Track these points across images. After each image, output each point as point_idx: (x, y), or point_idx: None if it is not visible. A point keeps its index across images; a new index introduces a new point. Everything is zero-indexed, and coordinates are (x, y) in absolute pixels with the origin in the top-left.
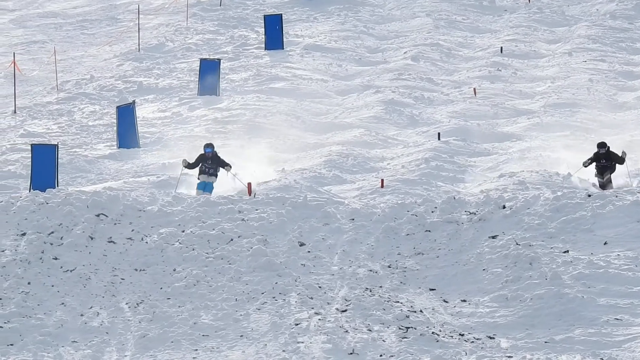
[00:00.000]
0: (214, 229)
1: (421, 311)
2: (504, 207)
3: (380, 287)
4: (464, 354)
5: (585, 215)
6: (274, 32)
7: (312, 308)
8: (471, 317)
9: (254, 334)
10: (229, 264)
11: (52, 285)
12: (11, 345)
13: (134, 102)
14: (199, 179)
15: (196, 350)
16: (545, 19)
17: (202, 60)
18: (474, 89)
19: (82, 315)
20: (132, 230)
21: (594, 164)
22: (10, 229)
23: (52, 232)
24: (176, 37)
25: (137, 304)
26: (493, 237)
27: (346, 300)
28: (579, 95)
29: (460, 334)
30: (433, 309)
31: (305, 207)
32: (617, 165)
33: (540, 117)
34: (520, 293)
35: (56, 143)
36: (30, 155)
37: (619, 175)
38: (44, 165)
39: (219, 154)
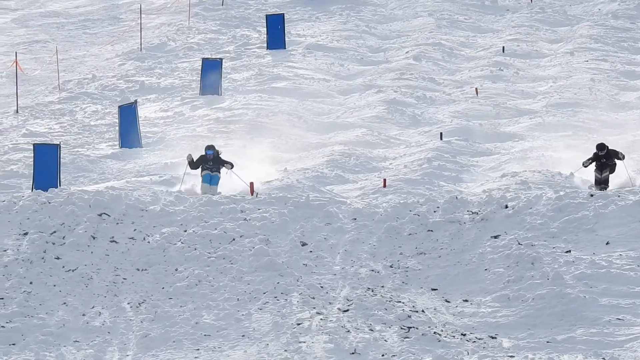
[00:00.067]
0: (216, 229)
1: (423, 311)
2: (506, 206)
3: (382, 287)
4: (465, 354)
5: (587, 215)
6: (276, 31)
7: (314, 308)
8: (473, 317)
9: (255, 333)
10: (231, 264)
11: (54, 285)
12: (13, 344)
13: (136, 101)
14: (202, 173)
15: (198, 350)
16: (547, 18)
17: (204, 60)
18: (476, 88)
19: (84, 314)
20: (135, 229)
21: (594, 163)
22: (12, 228)
23: (54, 232)
24: (178, 36)
25: (139, 303)
26: (495, 237)
27: (348, 300)
28: (581, 95)
29: (462, 334)
30: (435, 309)
31: (307, 207)
32: (617, 163)
33: (542, 117)
34: (522, 293)
35: (58, 143)
36: (32, 154)
37: (619, 174)
38: (46, 164)
39: (220, 155)
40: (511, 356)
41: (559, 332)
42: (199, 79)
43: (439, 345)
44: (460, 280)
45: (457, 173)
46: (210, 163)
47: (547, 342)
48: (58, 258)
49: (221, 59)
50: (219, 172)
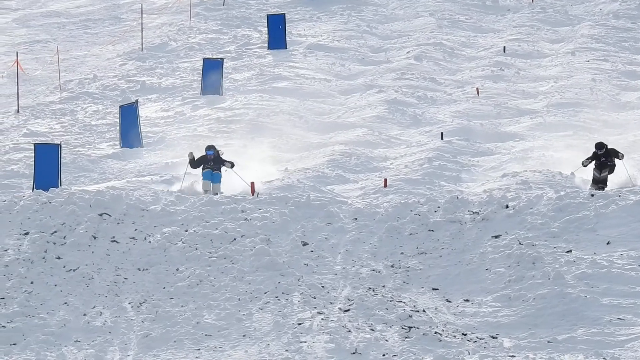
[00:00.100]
0: (217, 229)
1: (424, 311)
2: (507, 206)
3: (383, 286)
4: (466, 354)
5: (588, 215)
6: (277, 31)
7: (315, 308)
8: (474, 316)
9: (256, 333)
10: (232, 264)
11: (55, 285)
12: (14, 344)
13: (136, 101)
14: (203, 171)
15: (199, 349)
16: (549, 18)
17: (205, 60)
18: (477, 88)
19: (85, 314)
20: (135, 229)
21: (594, 162)
22: (13, 228)
23: (55, 232)
24: (179, 36)
25: (140, 303)
26: (496, 237)
27: (349, 299)
28: (582, 95)
29: (463, 334)
30: (436, 309)
31: (308, 207)
32: (616, 163)
33: (543, 116)
34: (523, 293)
35: (59, 142)
36: (33, 154)
37: (620, 174)
38: (47, 164)
39: (221, 155)
40: (512, 356)
41: (560, 331)
42: (200, 78)
43: (440, 345)
44: (461, 280)
45: (457, 173)
46: (211, 163)
47: (548, 341)
48: (59, 258)
49: (222, 59)
50: (220, 172)
